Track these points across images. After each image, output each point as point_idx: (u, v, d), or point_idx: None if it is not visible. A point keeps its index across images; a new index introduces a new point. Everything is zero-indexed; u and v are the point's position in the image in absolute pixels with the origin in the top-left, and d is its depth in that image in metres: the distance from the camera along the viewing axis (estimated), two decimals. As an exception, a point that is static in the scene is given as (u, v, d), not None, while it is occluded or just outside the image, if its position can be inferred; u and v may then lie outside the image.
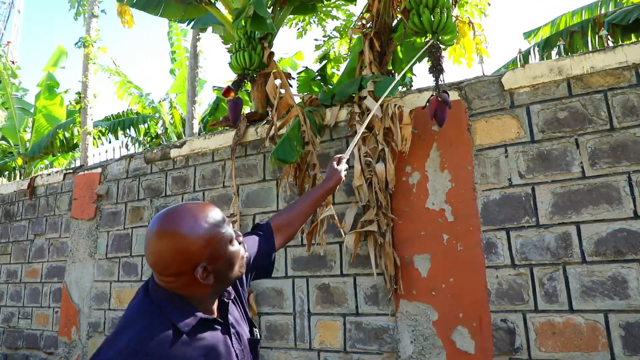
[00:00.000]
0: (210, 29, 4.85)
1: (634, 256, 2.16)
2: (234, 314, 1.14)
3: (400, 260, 2.68)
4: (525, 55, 6.51)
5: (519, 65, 2.61)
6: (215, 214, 1.03)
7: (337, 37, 5.67)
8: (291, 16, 5.32)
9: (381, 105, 2.83)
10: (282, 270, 3.14)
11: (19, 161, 9.05)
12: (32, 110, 9.57)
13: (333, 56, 5.58)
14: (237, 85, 3.54)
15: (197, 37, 7.09)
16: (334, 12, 5.61)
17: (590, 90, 2.41)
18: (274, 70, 3.50)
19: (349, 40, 5.03)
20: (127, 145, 4.69)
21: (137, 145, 9.22)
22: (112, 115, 9.77)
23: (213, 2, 4.31)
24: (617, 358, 2.12)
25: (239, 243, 1.07)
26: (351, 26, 5.18)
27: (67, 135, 8.07)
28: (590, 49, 5.81)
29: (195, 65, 7.07)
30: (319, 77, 5.44)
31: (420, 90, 2.89)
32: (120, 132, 9.26)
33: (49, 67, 9.49)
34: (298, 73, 5.56)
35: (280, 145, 2.82)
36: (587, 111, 2.39)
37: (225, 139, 3.61)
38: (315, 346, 2.92)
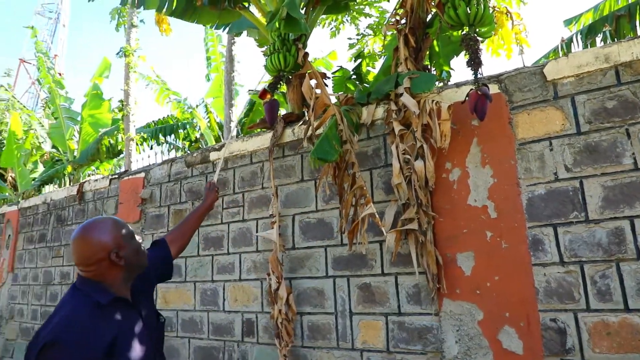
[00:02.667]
0: (245, 33, 4.93)
1: (694, 251, 2.04)
2: (145, 304, 1.55)
3: (442, 259, 2.63)
4: (567, 44, 6.27)
5: (561, 55, 2.51)
6: (120, 221, 1.49)
7: (370, 34, 5.63)
8: (324, 16, 5.34)
9: (418, 102, 2.79)
10: (323, 270, 3.15)
11: (69, 168, 9.49)
12: (78, 119, 10.01)
13: (367, 54, 5.54)
14: (273, 87, 3.58)
15: (232, 41, 7.23)
16: (367, 10, 5.59)
17: (641, 77, 2.29)
18: (309, 71, 3.50)
19: (383, 38, 4.99)
20: (168, 150, 4.82)
21: (177, 150, 9.48)
22: (153, 121, 10.09)
23: (247, 6, 4.38)
24: (679, 359, 2.01)
25: (141, 240, 1.54)
26: (385, 23, 5.14)
27: (111, 141, 8.40)
28: (639, 33, 5.52)
29: (231, 69, 7.21)
30: (354, 76, 5.42)
31: (458, 85, 2.83)
32: (161, 138, 9.54)
33: (95, 78, 9.91)
34: (333, 72, 5.56)
35: (319, 145, 2.82)
36: (638, 99, 2.27)
37: (262, 140, 3.65)
38: (357, 346, 2.91)
